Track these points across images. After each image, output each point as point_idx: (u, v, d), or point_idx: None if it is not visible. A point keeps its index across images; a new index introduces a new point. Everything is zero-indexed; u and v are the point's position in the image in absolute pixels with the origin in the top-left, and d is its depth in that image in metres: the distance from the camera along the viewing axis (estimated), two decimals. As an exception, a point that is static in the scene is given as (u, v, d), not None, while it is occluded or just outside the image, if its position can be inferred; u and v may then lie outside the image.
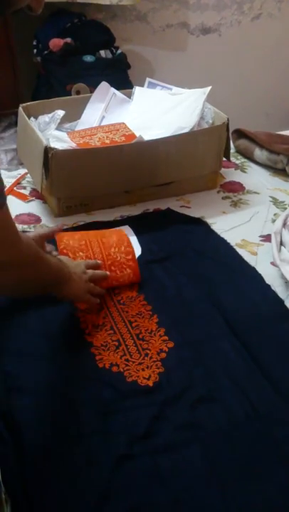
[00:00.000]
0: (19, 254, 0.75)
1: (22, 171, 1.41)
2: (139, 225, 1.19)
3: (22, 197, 1.31)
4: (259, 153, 1.48)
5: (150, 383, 0.83)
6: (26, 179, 1.38)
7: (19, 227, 1.18)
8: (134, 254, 1.03)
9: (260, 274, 1.06)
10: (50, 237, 1.01)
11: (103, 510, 0.67)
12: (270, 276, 1.06)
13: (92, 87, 1.46)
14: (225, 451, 0.74)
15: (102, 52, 2.23)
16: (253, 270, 1.08)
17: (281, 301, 1.00)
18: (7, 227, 0.71)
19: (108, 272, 0.99)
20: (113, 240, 1.05)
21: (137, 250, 1.10)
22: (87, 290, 0.93)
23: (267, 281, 1.04)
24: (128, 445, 0.74)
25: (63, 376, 0.84)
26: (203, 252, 1.13)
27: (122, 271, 1.01)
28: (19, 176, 1.39)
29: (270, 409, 0.80)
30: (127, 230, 1.15)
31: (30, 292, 0.86)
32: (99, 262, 1.00)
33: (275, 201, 1.34)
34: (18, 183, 1.36)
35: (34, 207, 1.28)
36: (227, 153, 1.36)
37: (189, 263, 1.09)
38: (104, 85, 1.41)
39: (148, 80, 1.47)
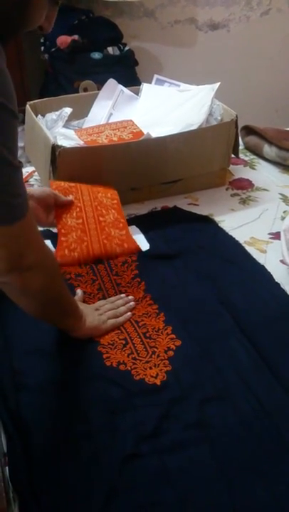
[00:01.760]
0: (44, 256, 0.78)
1: (30, 168, 1.41)
2: (147, 223, 1.19)
3: (30, 195, 1.30)
4: (268, 149, 1.46)
5: (158, 382, 0.83)
6: (34, 177, 1.38)
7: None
8: (118, 200, 1.15)
9: (269, 272, 1.06)
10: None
11: (110, 509, 0.66)
12: (279, 275, 1.05)
13: (100, 84, 1.46)
14: (233, 450, 0.74)
15: (110, 49, 2.24)
16: (262, 268, 1.07)
17: (290, 299, 0.99)
18: (32, 231, 0.74)
19: (132, 298, 0.99)
20: (101, 187, 1.16)
21: (145, 246, 1.11)
22: (101, 322, 0.91)
23: (276, 279, 1.04)
24: (135, 444, 0.73)
25: (71, 374, 0.84)
26: (211, 250, 1.12)
27: (107, 211, 1.10)
28: (27, 173, 1.38)
29: (278, 408, 0.79)
30: (133, 229, 1.15)
31: (54, 310, 0.85)
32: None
33: (285, 198, 1.33)
34: (25, 181, 1.36)
35: (42, 205, 1.28)
36: (236, 150, 1.34)
37: (197, 261, 1.08)
38: (111, 82, 1.40)
39: (156, 76, 1.47)
